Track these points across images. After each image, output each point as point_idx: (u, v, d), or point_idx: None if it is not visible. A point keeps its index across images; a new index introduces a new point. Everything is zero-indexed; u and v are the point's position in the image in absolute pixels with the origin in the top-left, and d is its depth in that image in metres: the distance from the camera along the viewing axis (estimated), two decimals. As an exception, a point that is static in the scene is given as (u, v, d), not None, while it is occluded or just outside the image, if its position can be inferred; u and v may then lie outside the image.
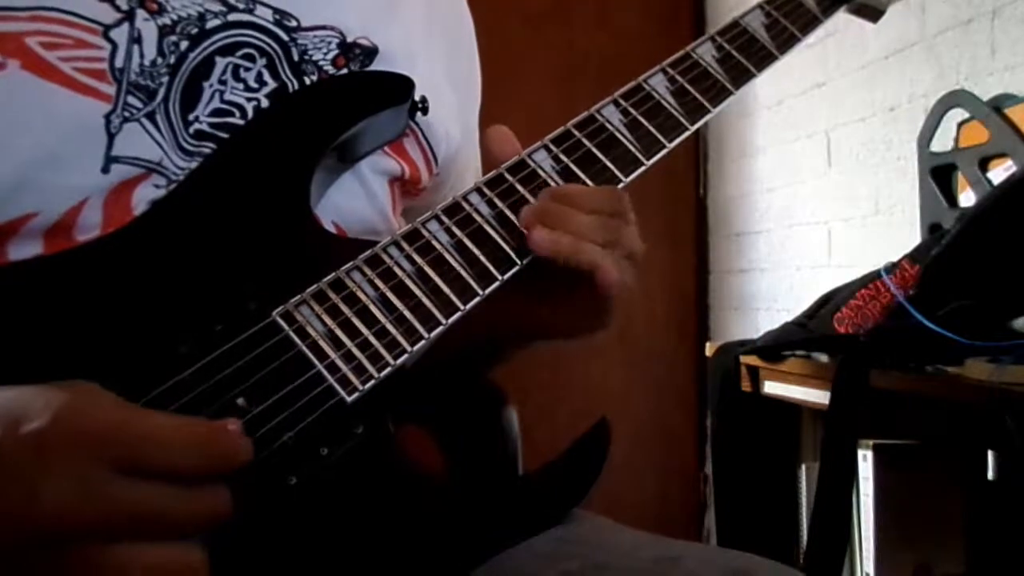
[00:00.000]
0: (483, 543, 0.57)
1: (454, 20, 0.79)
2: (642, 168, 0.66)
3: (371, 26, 0.68)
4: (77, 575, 0.41)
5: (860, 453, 1.22)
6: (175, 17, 0.61)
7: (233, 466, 0.45)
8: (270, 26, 0.64)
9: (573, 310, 0.65)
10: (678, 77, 0.70)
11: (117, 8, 0.59)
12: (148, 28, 0.60)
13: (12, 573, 0.41)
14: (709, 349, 1.70)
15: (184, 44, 0.60)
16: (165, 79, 0.60)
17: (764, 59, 0.75)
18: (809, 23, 0.79)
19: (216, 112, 0.61)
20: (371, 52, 0.67)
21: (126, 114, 0.58)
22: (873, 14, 0.88)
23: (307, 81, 0.64)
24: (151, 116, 0.59)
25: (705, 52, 0.73)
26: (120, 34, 0.59)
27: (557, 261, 0.59)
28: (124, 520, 0.41)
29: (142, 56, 0.59)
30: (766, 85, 2.29)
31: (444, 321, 0.57)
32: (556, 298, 0.64)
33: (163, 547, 0.42)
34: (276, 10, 0.64)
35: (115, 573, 0.41)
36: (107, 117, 0.57)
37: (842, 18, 0.86)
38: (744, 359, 1.50)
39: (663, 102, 0.69)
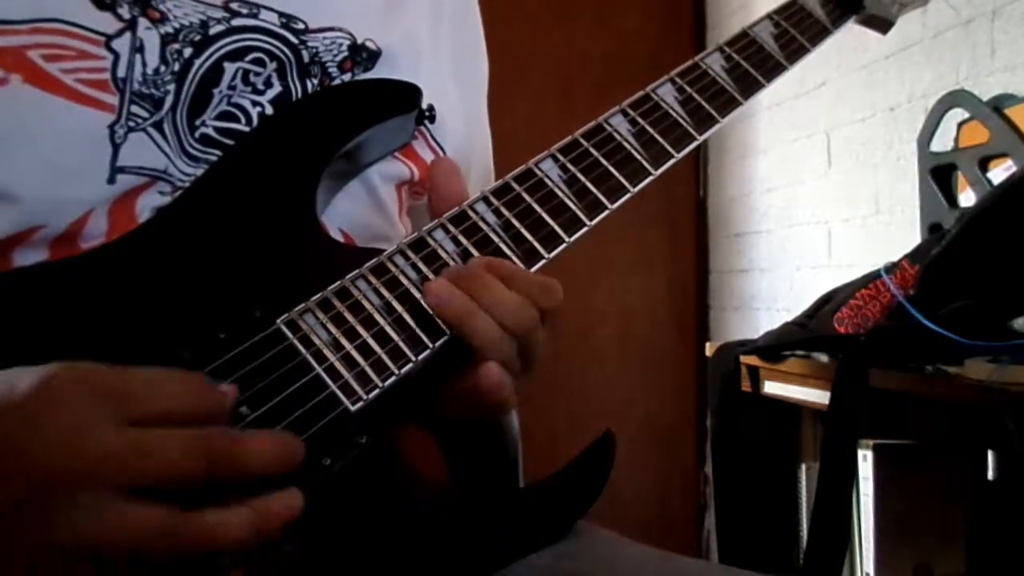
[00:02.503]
0: (486, 556, 0.56)
1: (461, 10, 0.79)
2: (650, 178, 0.65)
3: (376, 28, 0.67)
4: (61, 527, 0.41)
5: (860, 453, 1.22)
6: (177, 25, 0.60)
7: (223, 414, 0.46)
8: (278, 29, 0.63)
9: (446, 400, 0.58)
10: (686, 87, 0.70)
11: (119, 17, 0.59)
12: (150, 37, 0.59)
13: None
14: (709, 349, 1.70)
15: (188, 51, 0.60)
16: (171, 87, 0.59)
17: (773, 70, 0.75)
18: (819, 34, 0.79)
19: (221, 116, 0.61)
20: (375, 55, 0.67)
21: (131, 124, 0.58)
22: (883, 25, 0.88)
23: (312, 84, 0.64)
24: (158, 125, 0.59)
25: (714, 62, 0.72)
26: (122, 44, 0.58)
27: (444, 321, 0.54)
28: (114, 466, 0.42)
29: (144, 65, 0.59)
30: (766, 85, 2.28)
31: (448, 332, 0.56)
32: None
33: (152, 505, 0.42)
34: (282, 14, 0.64)
35: (98, 524, 0.41)
36: (111, 128, 0.57)
37: (850, 26, 0.86)
38: (744, 359, 1.50)
39: (671, 112, 0.68)
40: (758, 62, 0.74)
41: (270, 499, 0.45)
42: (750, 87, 0.73)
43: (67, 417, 0.42)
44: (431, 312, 0.55)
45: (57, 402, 0.42)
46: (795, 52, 0.77)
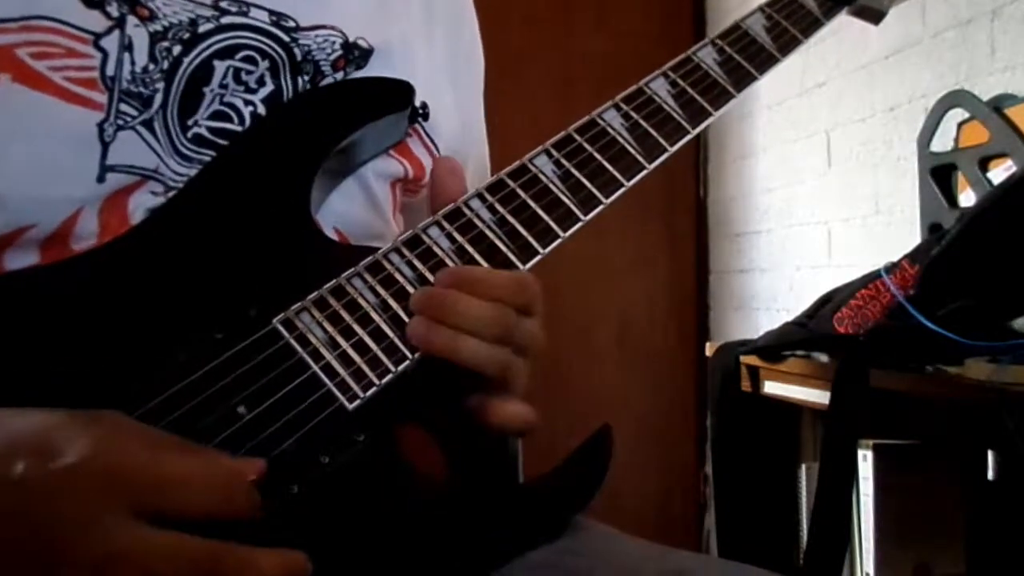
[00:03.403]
0: (485, 554, 0.56)
1: (455, 9, 0.79)
2: (644, 172, 0.65)
3: (368, 26, 0.67)
4: None
5: (860, 453, 1.22)
6: (166, 23, 0.60)
7: (244, 517, 0.45)
8: (268, 27, 0.63)
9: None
10: (679, 81, 0.70)
11: (107, 16, 0.58)
12: (139, 35, 0.59)
13: None
14: (709, 349, 1.70)
15: (177, 49, 0.60)
16: (160, 85, 0.59)
17: (766, 62, 0.74)
18: (811, 25, 0.78)
19: (214, 116, 0.60)
20: (368, 53, 0.67)
21: (119, 122, 0.57)
22: (875, 16, 0.87)
23: (305, 83, 0.64)
24: (148, 123, 0.58)
25: (706, 55, 0.72)
26: (111, 42, 0.58)
27: (434, 356, 0.55)
28: (119, 567, 0.41)
29: (133, 63, 0.58)
30: (766, 85, 2.28)
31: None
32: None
33: None
34: (272, 12, 0.64)
35: None
36: (100, 126, 0.57)
37: (843, 18, 0.86)
38: (744, 359, 1.50)
39: (664, 106, 0.68)
40: (751, 54, 0.74)
41: None
42: (743, 79, 0.72)
43: (82, 503, 0.42)
44: (413, 346, 0.55)
45: (78, 480, 0.42)
46: (787, 44, 0.76)
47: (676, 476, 2.68)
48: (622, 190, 0.64)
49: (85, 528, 0.41)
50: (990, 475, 1.12)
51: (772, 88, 2.27)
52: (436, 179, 0.62)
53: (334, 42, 0.65)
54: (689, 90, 0.69)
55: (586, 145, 0.64)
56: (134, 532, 0.42)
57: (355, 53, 0.66)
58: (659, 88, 0.69)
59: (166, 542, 0.42)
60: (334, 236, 0.64)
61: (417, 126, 0.69)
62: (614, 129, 0.66)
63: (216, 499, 0.44)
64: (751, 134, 2.43)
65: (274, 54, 0.63)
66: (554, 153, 0.64)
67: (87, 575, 0.41)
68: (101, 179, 0.57)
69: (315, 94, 0.64)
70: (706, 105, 0.69)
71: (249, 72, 0.62)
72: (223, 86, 0.61)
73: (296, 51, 0.64)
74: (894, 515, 1.22)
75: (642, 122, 0.67)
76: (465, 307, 0.54)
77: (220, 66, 0.61)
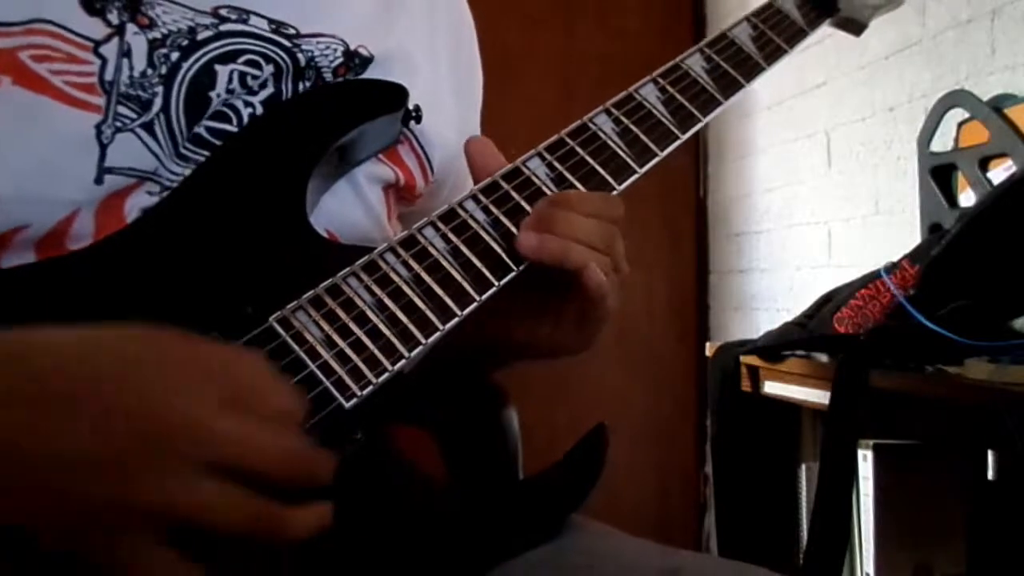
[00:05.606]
0: (483, 551, 0.56)
1: (456, 22, 0.79)
2: (635, 176, 0.67)
3: (368, 35, 0.68)
4: (148, 487, 0.42)
5: (860, 453, 1.22)
6: (165, 31, 0.61)
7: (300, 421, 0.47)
8: (269, 35, 0.64)
9: (560, 325, 0.64)
10: (668, 87, 0.71)
11: (108, 23, 0.59)
12: (138, 42, 0.60)
13: (111, 475, 0.42)
14: (709, 349, 1.70)
15: (175, 55, 0.60)
16: (159, 89, 0.60)
17: (752, 70, 0.76)
18: (795, 35, 0.81)
19: (212, 116, 0.61)
20: (368, 61, 0.67)
21: (118, 124, 0.58)
22: (856, 28, 0.90)
23: (304, 87, 0.64)
24: (147, 126, 0.59)
25: (694, 63, 0.74)
26: (109, 49, 0.59)
27: (545, 264, 0.59)
28: (211, 444, 0.43)
29: (131, 68, 0.59)
30: (766, 85, 2.28)
31: (441, 327, 0.56)
32: (541, 311, 0.63)
33: (238, 487, 0.43)
34: (271, 20, 0.64)
35: (184, 493, 0.42)
36: (98, 128, 0.57)
37: (828, 29, 0.88)
38: (744, 359, 1.50)
39: (654, 111, 0.70)
40: (737, 63, 0.76)
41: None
42: (730, 87, 0.74)
43: (181, 387, 0.43)
44: (525, 257, 0.58)
45: (176, 367, 0.44)
46: (772, 53, 0.78)
47: (676, 476, 2.68)
48: (614, 193, 0.65)
49: (180, 408, 0.43)
50: (990, 475, 1.12)
51: (772, 88, 2.27)
52: (472, 158, 0.64)
53: (336, 49, 0.66)
54: (678, 96, 0.71)
55: (578, 149, 0.66)
56: (229, 418, 0.43)
57: (356, 61, 0.67)
58: (648, 94, 0.71)
59: (256, 431, 0.44)
60: (326, 237, 0.64)
61: (409, 135, 0.69)
62: (605, 133, 0.67)
63: (292, 402, 0.47)
64: (751, 134, 2.43)
65: (278, 59, 0.64)
66: (547, 156, 0.65)
67: (181, 452, 0.42)
68: (99, 181, 0.57)
69: (311, 94, 0.65)
70: (695, 111, 0.71)
71: (255, 77, 0.62)
72: (229, 91, 0.61)
73: (300, 56, 0.64)
74: (894, 515, 1.22)
75: (632, 127, 0.68)
76: (573, 221, 0.59)
77: (223, 70, 0.62)
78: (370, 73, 0.67)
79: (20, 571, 0.42)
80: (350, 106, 0.64)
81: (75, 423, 0.41)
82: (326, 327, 0.54)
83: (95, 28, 0.59)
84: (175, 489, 0.42)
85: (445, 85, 0.75)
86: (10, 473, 0.41)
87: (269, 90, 0.63)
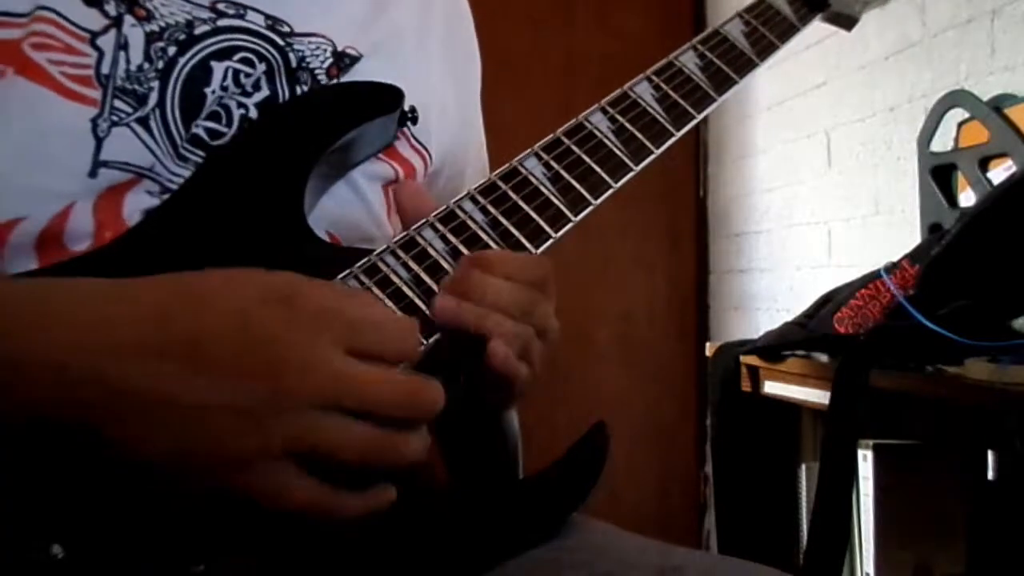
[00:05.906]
0: (484, 550, 0.57)
1: (453, 11, 0.79)
2: (631, 173, 0.67)
3: (358, 35, 0.68)
4: (289, 430, 0.45)
5: (860, 453, 1.22)
6: (163, 24, 0.61)
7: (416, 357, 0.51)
8: (264, 31, 0.64)
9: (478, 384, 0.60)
10: (662, 85, 0.72)
11: (105, 14, 0.59)
12: (135, 34, 0.60)
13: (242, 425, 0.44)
14: (709, 349, 1.70)
15: (172, 50, 0.60)
16: (155, 84, 0.60)
17: (744, 66, 0.77)
18: (786, 31, 0.82)
19: (209, 116, 0.61)
20: (356, 60, 0.68)
21: (114, 118, 0.58)
22: (848, 22, 0.91)
23: (300, 89, 0.64)
24: (143, 121, 0.59)
25: (688, 60, 0.74)
26: (107, 41, 0.59)
27: (461, 331, 0.56)
28: (341, 388, 0.46)
29: (128, 62, 0.59)
30: (766, 85, 2.29)
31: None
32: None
33: (366, 424, 0.46)
34: (268, 16, 0.64)
35: (324, 433, 0.45)
36: (94, 121, 0.57)
37: (821, 24, 0.88)
38: (744, 359, 1.50)
39: (649, 109, 0.70)
40: (730, 59, 0.76)
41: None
42: (724, 83, 0.75)
43: (308, 337, 0.46)
44: (441, 324, 0.56)
45: (306, 317, 0.46)
46: (765, 49, 0.79)
47: (676, 476, 2.68)
48: (610, 191, 0.66)
49: (307, 361, 0.45)
50: (990, 475, 1.12)
51: (772, 88, 2.27)
52: (402, 205, 0.63)
53: (325, 50, 0.66)
54: (672, 94, 0.72)
55: (574, 148, 0.66)
56: (353, 364, 0.46)
57: (345, 61, 0.67)
58: (643, 92, 0.71)
59: (379, 373, 0.47)
60: (326, 239, 0.64)
61: (406, 129, 0.70)
62: (601, 132, 0.68)
63: (408, 341, 0.50)
64: (751, 134, 2.44)
65: (270, 57, 0.64)
66: (543, 156, 0.65)
67: (316, 400, 0.45)
68: (93, 174, 0.57)
69: (308, 96, 0.65)
70: (689, 108, 0.72)
71: (248, 75, 0.63)
72: (223, 88, 0.62)
73: (291, 56, 0.65)
74: (894, 515, 1.22)
75: (628, 125, 0.69)
76: (491, 285, 0.56)
77: (218, 67, 0.62)
78: (359, 70, 0.67)
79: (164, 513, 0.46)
80: (346, 108, 0.64)
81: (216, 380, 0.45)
82: None
83: (93, 19, 0.59)
84: (320, 431, 0.45)
85: (440, 72, 0.75)
86: (162, 419, 0.44)
87: (264, 92, 0.63)
